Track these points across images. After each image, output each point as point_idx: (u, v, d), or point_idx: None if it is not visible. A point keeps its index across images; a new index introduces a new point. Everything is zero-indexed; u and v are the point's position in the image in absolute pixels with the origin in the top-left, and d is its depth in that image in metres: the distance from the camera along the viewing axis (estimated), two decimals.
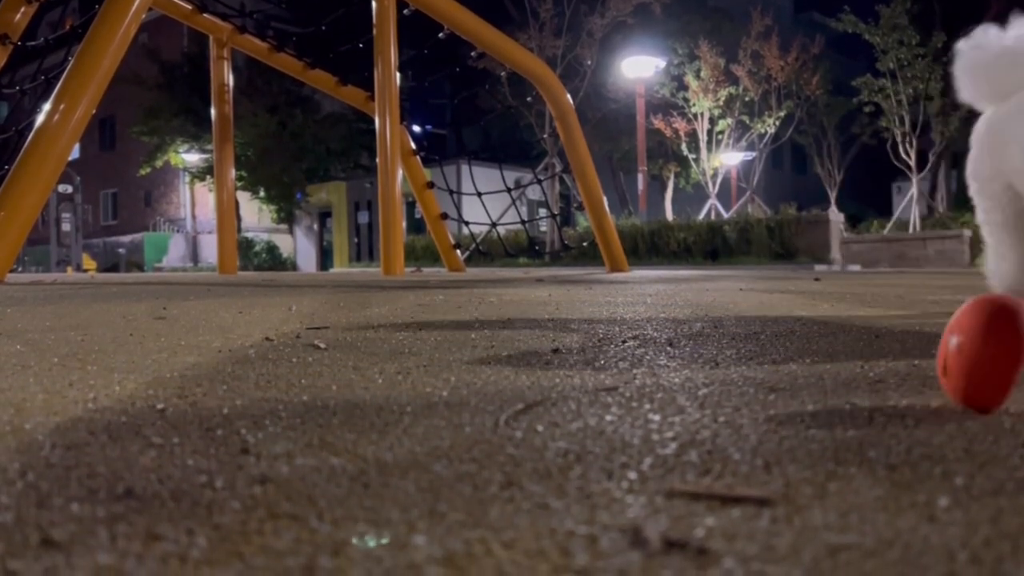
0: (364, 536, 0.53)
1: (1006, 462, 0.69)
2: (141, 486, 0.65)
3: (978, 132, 1.81)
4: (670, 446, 0.76)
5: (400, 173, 7.55)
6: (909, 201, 17.75)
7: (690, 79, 19.68)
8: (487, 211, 10.07)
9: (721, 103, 19.44)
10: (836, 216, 15.73)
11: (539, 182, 11.25)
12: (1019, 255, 1.71)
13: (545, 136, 16.56)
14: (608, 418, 0.89)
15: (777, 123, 19.80)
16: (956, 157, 19.25)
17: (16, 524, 0.56)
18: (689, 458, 0.71)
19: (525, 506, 0.59)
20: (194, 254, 28.72)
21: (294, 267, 27.50)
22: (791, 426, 0.83)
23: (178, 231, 30.34)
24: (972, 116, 1.91)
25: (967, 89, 1.80)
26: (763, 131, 19.93)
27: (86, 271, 19.89)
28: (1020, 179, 1.65)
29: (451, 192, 10.13)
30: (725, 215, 19.01)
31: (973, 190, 1.81)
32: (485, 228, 10.33)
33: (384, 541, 0.52)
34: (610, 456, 0.72)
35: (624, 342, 1.64)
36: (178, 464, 0.71)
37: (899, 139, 18.18)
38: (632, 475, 0.66)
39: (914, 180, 17.83)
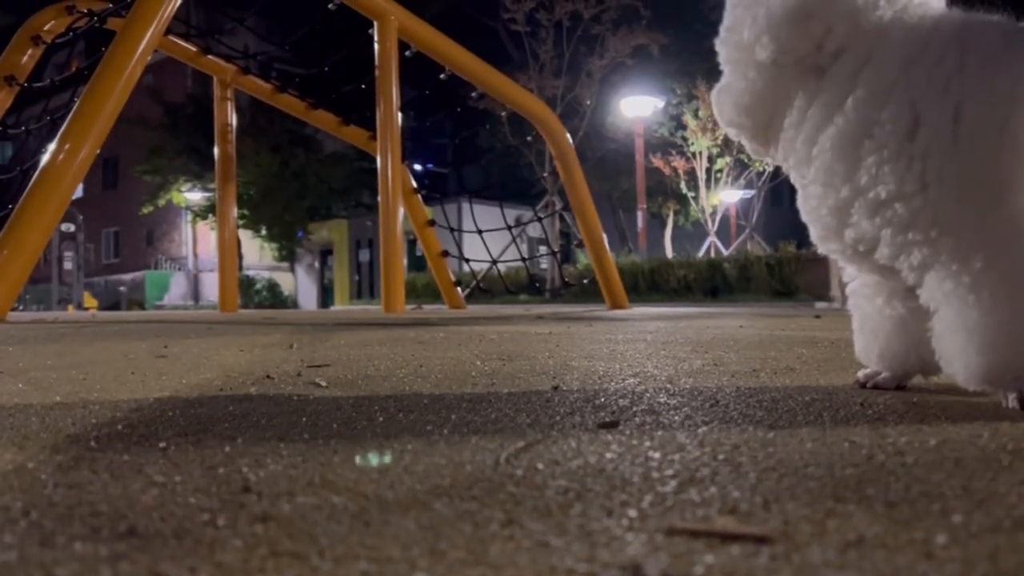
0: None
1: (1004, 500, 0.69)
2: (143, 524, 0.65)
3: None
4: (670, 484, 0.76)
5: (401, 211, 7.59)
6: None
7: (688, 118, 19.88)
8: (488, 249, 10.10)
9: (720, 142, 19.61)
10: None
11: (539, 220, 11.30)
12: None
13: (545, 175, 16.69)
14: (608, 456, 0.89)
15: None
16: None
17: (19, 563, 0.56)
18: (689, 496, 0.72)
19: (525, 544, 0.59)
20: (195, 292, 28.75)
21: (295, 305, 27.51)
22: (790, 464, 0.83)
23: (180, 269, 30.42)
24: None
25: None
26: (762, 169, 20.08)
27: (87, 309, 19.89)
28: None
29: (452, 230, 10.17)
30: (725, 252, 19.06)
31: None
32: (486, 265, 10.35)
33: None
34: (610, 494, 0.73)
35: (624, 379, 1.65)
36: (180, 502, 0.72)
37: None
38: (632, 513, 0.67)
39: None
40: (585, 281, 12.99)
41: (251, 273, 27.07)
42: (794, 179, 1.43)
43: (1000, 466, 0.81)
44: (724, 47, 1.47)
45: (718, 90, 1.52)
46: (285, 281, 28.65)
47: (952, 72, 1.17)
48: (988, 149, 1.15)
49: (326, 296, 28.57)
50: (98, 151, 5.50)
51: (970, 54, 1.18)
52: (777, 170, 20.47)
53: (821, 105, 1.30)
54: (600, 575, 0.52)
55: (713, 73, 1.53)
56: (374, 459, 0.55)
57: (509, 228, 10.29)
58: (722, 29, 1.47)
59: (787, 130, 1.38)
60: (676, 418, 1.14)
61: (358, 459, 0.55)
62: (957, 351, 1.18)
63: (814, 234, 1.40)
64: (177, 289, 28.83)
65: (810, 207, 1.36)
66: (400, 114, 7.52)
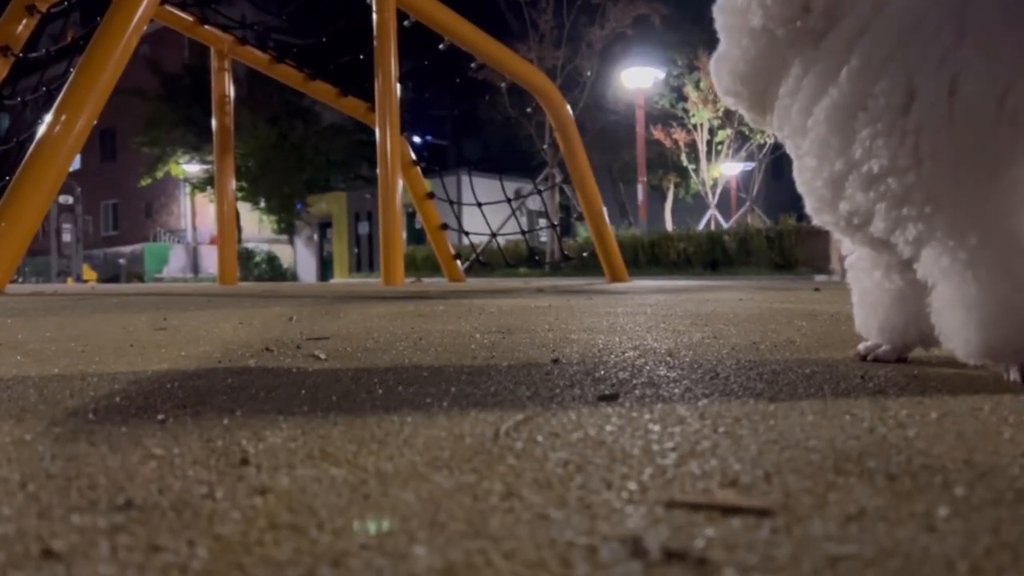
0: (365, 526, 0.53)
1: (1006, 472, 0.69)
2: (142, 497, 0.65)
3: None
4: (670, 456, 0.76)
5: (400, 184, 7.56)
6: None
7: (690, 90, 19.75)
8: (487, 221, 10.08)
9: (721, 114, 19.51)
10: None
11: (539, 193, 11.26)
12: None
13: (545, 147, 16.62)
14: (608, 428, 0.89)
15: None
16: None
17: (17, 535, 0.56)
18: (689, 468, 0.71)
19: (525, 516, 0.59)
20: (194, 265, 28.73)
21: (294, 278, 27.52)
22: (791, 436, 0.83)
23: (178, 242, 30.38)
24: None
25: None
26: (763, 142, 19.98)
27: (86, 282, 19.91)
28: None
29: (451, 203, 10.15)
30: (725, 225, 19.03)
31: None
32: (485, 238, 10.34)
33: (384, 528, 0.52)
34: (610, 466, 0.72)
35: (624, 352, 1.65)
36: (179, 475, 0.71)
37: None
38: (632, 485, 0.66)
39: None
40: (585, 254, 12.99)
41: (250, 246, 27.03)
42: (789, 149, 1.41)
43: (1001, 439, 0.81)
44: (721, 14, 1.46)
45: (716, 58, 1.51)
46: (284, 254, 28.63)
47: (949, 45, 1.15)
48: (985, 123, 1.13)
49: (325, 269, 28.57)
50: (95, 122, 5.47)
51: (969, 27, 1.16)
52: (778, 143, 20.33)
53: (816, 75, 1.29)
54: (600, 548, 0.52)
55: (714, 44, 1.52)
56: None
57: (509, 201, 10.26)
58: None
59: (782, 98, 1.37)
60: (676, 391, 1.14)
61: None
62: (957, 327, 1.17)
63: (809, 205, 1.38)
64: (176, 262, 28.81)
65: (805, 178, 1.34)
66: (399, 85, 7.46)
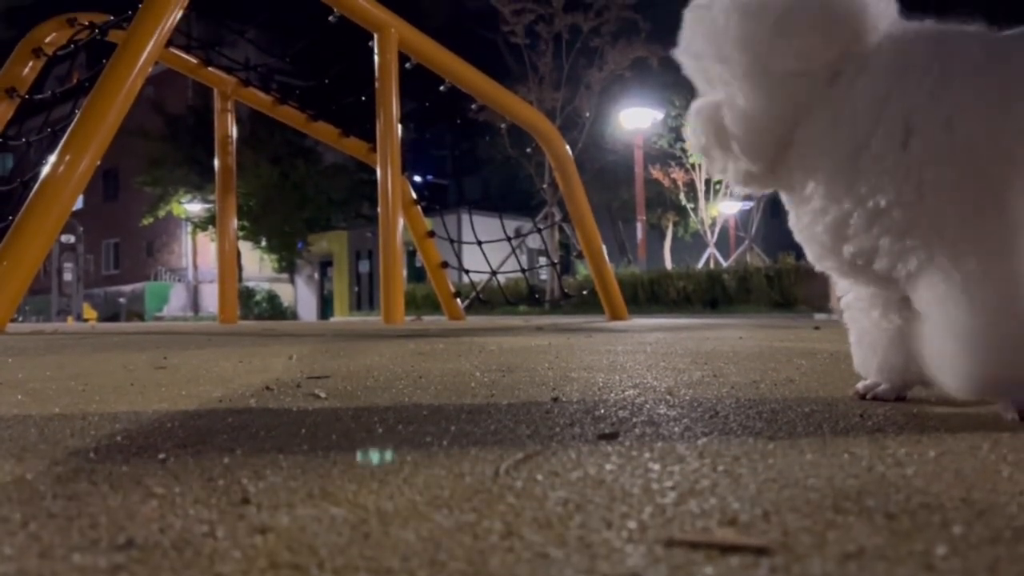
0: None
1: (1004, 510, 0.69)
2: (143, 536, 0.65)
3: None
4: (670, 495, 0.76)
5: (401, 222, 7.60)
6: None
7: (687, 130, 19.93)
8: (487, 260, 10.12)
9: None
10: None
11: (539, 231, 11.31)
12: None
13: (545, 186, 16.72)
14: (608, 467, 0.89)
15: None
16: None
17: (18, 575, 0.56)
18: (688, 507, 0.71)
19: (525, 555, 0.59)
20: (195, 303, 28.73)
21: (294, 316, 27.50)
22: (790, 475, 0.83)
23: (179, 280, 30.41)
24: None
25: None
26: None
27: (87, 320, 19.89)
28: None
29: (451, 241, 10.18)
30: (724, 264, 19.08)
31: None
32: (485, 277, 10.36)
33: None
34: (610, 505, 0.72)
35: (624, 391, 1.65)
36: (179, 514, 0.71)
37: None
38: (632, 524, 0.66)
39: None
40: (584, 292, 13.00)
41: (251, 284, 27.06)
42: (786, 200, 1.41)
43: (1000, 477, 0.81)
44: (701, 59, 1.40)
45: (696, 110, 1.44)
46: (285, 292, 28.64)
47: (938, 82, 1.17)
48: (981, 159, 1.14)
49: (326, 307, 28.56)
50: (98, 162, 5.51)
51: (955, 65, 1.18)
52: None
53: (827, 116, 1.28)
54: None
55: None
56: (375, 457, 0.55)
57: (508, 239, 10.29)
58: (693, 40, 1.40)
59: (799, 146, 1.32)
60: (676, 429, 1.14)
61: (359, 455, 0.55)
62: (949, 358, 1.15)
63: (810, 253, 1.36)
64: (177, 300, 28.81)
65: (803, 225, 1.33)
66: (400, 126, 7.54)
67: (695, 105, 1.46)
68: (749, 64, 1.32)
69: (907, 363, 1.36)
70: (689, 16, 1.41)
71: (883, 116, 1.19)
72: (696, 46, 1.41)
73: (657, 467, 0.89)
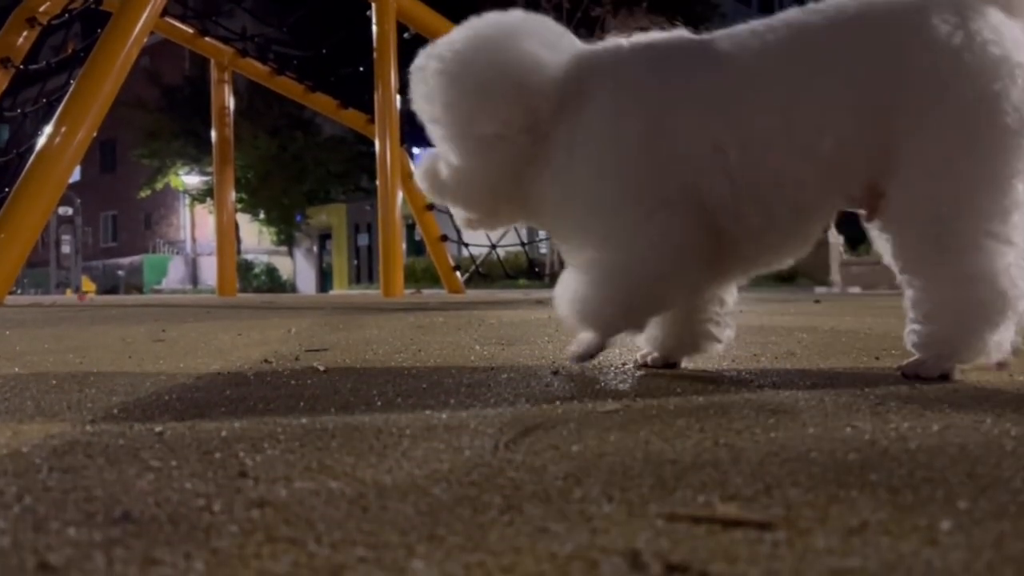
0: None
1: (1009, 485, 0.68)
2: (139, 509, 0.64)
3: None
4: (671, 469, 0.75)
5: (400, 195, 7.57)
6: None
7: None
8: (487, 233, 10.09)
9: None
10: (836, 238, 15.72)
11: None
12: None
13: None
14: (609, 441, 0.88)
15: None
16: None
17: (13, 548, 0.55)
18: (690, 481, 0.71)
19: (525, 529, 0.58)
20: (193, 276, 28.72)
21: (293, 289, 27.50)
22: (792, 449, 0.83)
23: (178, 253, 30.37)
24: None
25: None
26: None
27: (85, 293, 19.90)
28: None
29: (451, 214, 10.15)
30: None
31: None
32: (485, 250, 10.35)
33: None
34: (610, 479, 0.72)
35: (624, 363, 1.64)
36: (176, 487, 0.71)
37: None
38: (633, 498, 0.66)
39: None
40: None
41: (249, 257, 27.02)
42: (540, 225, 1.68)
43: (1004, 451, 0.81)
44: (424, 119, 1.50)
45: (420, 163, 1.56)
46: (283, 265, 28.61)
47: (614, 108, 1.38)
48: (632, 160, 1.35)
49: (325, 280, 28.55)
50: (95, 134, 5.48)
51: (621, 89, 1.40)
52: None
53: (557, 167, 1.40)
54: (601, 562, 0.52)
55: None
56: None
57: None
58: (415, 101, 1.49)
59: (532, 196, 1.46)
60: (677, 402, 1.13)
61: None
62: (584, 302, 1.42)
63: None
64: (175, 273, 28.78)
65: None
66: (399, 97, 7.48)
67: (423, 158, 1.58)
68: (456, 127, 1.43)
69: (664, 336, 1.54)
70: (411, 78, 1.52)
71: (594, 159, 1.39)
72: (416, 106, 1.51)
73: (658, 441, 0.88)
